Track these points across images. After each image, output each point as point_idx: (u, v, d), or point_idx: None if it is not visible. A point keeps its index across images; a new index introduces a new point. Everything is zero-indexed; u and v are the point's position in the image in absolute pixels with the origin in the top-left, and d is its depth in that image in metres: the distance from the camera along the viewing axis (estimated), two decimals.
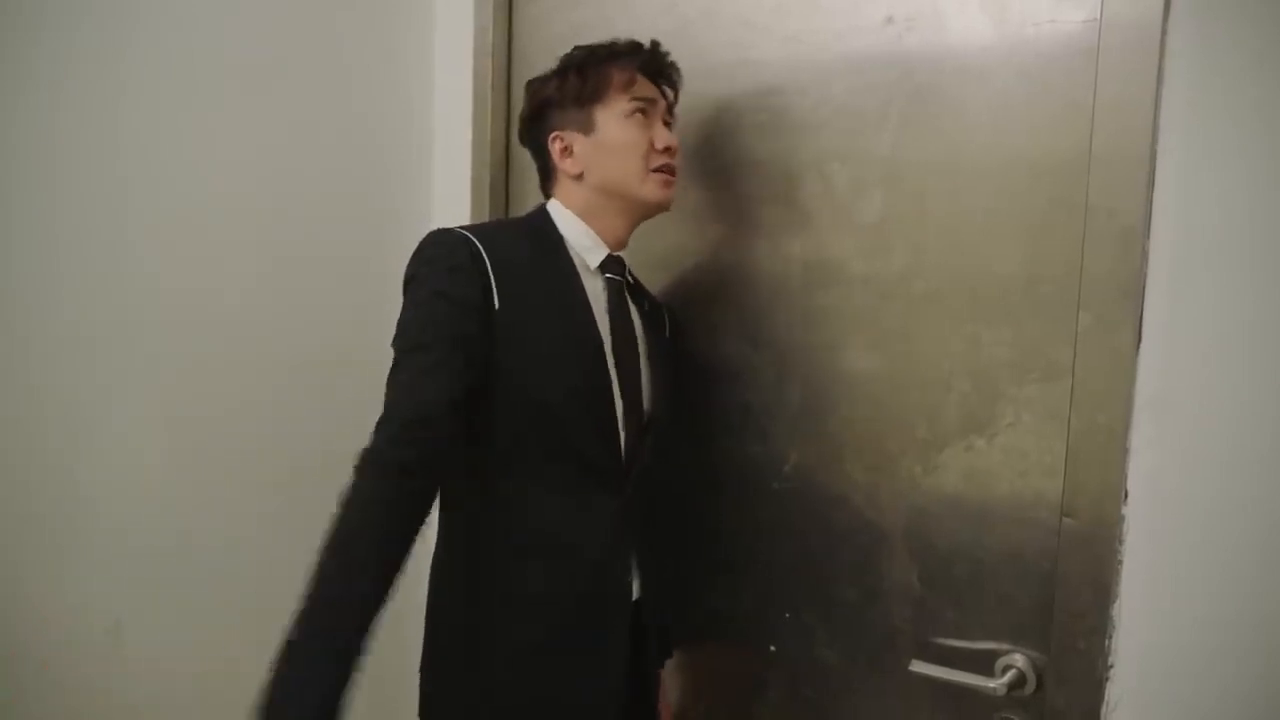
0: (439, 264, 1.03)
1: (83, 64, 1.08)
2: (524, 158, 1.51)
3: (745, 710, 1.32)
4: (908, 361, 1.16)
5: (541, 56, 1.43)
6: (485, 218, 1.49)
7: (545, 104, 1.16)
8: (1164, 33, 0.96)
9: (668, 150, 1.15)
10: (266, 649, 1.37)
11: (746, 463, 1.29)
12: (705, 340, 1.32)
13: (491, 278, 1.04)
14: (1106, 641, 1.03)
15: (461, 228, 1.08)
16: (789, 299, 1.25)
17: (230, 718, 1.29)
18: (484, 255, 1.04)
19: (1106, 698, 1.04)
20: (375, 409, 1.45)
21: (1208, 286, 0.96)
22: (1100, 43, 1.01)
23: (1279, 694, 0.95)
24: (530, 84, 1.20)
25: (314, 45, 1.34)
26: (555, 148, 1.15)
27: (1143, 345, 1.00)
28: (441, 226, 1.09)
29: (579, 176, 1.14)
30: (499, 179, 1.49)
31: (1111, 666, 1.03)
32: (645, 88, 1.15)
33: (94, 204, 1.10)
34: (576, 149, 1.14)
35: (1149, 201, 0.98)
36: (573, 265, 1.13)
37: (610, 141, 1.13)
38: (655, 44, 1.18)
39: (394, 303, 1.05)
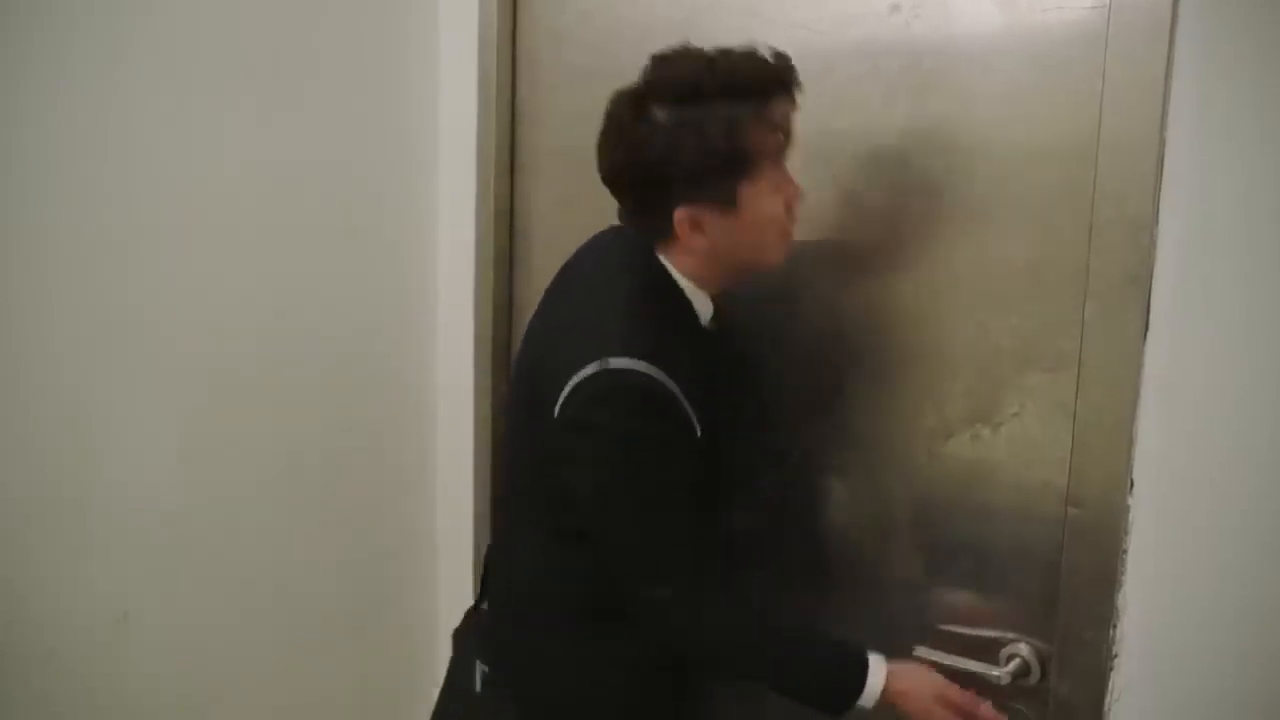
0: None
1: (85, 65, 1.08)
2: (528, 156, 1.47)
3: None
4: (914, 350, 1.16)
5: (547, 50, 1.43)
6: (491, 217, 1.46)
7: (671, 173, 0.95)
8: (1174, 18, 0.95)
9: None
10: (272, 642, 1.38)
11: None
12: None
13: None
14: (1111, 631, 1.03)
15: (648, 363, 0.92)
16: (794, 288, 1.24)
17: (236, 709, 1.31)
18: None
19: (1111, 687, 1.04)
20: (376, 407, 1.46)
21: (1215, 275, 0.96)
22: (1109, 29, 1.00)
23: None
24: (644, 126, 0.95)
25: (316, 43, 1.33)
26: (684, 226, 0.97)
27: (1149, 334, 0.99)
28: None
29: (703, 247, 1.00)
30: (503, 178, 1.48)
31: (1116, 656, 1.03)
32: (789, 136, 0.99)
33: (97, 202, 1.11)
34: (708, 226, 0.98)
35: (1157, 189, 0.98)
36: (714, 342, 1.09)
37: (755, 220, 0.98)
38: (789, 67, 0.99)
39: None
